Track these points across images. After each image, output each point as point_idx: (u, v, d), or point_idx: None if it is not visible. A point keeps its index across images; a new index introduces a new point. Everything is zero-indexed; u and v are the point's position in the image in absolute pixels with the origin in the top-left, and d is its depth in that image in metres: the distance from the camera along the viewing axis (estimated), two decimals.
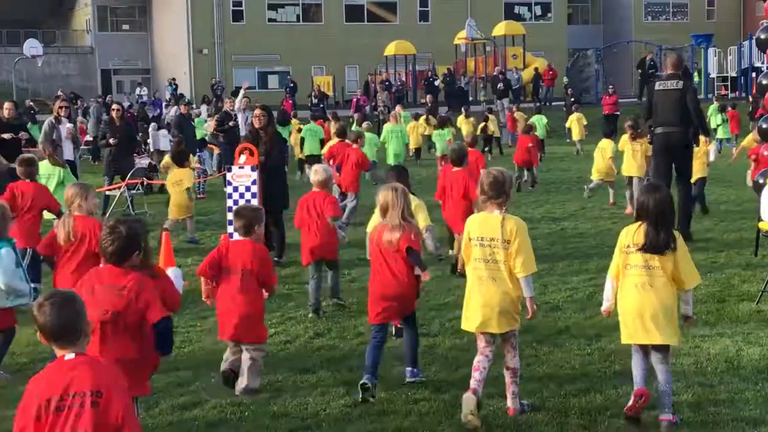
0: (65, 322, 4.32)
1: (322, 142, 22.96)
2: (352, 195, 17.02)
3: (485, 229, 7.11)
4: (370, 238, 8.36)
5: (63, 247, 8.30)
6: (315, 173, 10.73)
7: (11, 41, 58.77)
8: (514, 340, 7.32)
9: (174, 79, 54.41)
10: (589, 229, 16.26)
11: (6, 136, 16.05)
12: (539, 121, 30.16)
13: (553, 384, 7.88)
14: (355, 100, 44.45)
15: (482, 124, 30.05)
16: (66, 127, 17.58)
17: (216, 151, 25.03)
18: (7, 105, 17.00)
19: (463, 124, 31.51)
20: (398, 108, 32.55)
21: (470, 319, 7.28)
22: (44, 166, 14.07)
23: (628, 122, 17.65)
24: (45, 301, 4.35)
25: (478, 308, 7.16)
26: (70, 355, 4.33)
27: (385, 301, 7.87)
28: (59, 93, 40.89)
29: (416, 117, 32.85)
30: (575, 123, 33.29)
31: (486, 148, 29.24)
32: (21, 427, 4.29)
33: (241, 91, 24.63)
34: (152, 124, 30.56)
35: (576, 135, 33.09)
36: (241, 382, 7.81)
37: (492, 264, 7.10)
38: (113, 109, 19.57)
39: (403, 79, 51.23)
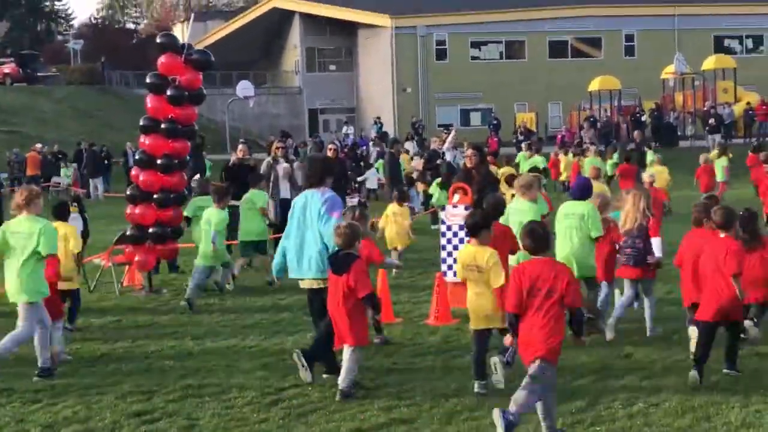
0: None
1: None
2: None
3: None
4: None
5: None
6: None
7: (224, 83, 61.48)
8: None
9: (379, 118, 55.54)
10: None
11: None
12: None
13: None
14: (560, 136, 44.19)
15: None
16: (282, 167, 18.22)
17: (422, 188, 25.37)
18: (241, 147, 18.14)
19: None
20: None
21: None
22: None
23: None
24: None
25: None
26: None
27: None
28: (271, 137, 42.40)
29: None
30: None
31: None
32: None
33: (453, 132, 24.95)
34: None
35: None
36: None
37: None
38: (330, 149, 20.25)
39: (609, 114, 50.57)
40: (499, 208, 10.83)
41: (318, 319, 9.58)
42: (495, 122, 49.92)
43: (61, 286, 11.11)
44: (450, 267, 12.98)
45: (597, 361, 9.94)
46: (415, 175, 26.65)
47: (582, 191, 11.34)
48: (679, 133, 47.36)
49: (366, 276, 8.77)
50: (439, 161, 23.45)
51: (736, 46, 61.34)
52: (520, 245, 8.24)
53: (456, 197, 13.44)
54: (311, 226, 9.49)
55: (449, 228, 13.27)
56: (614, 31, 60.06)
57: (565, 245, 10.95)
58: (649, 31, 59.46)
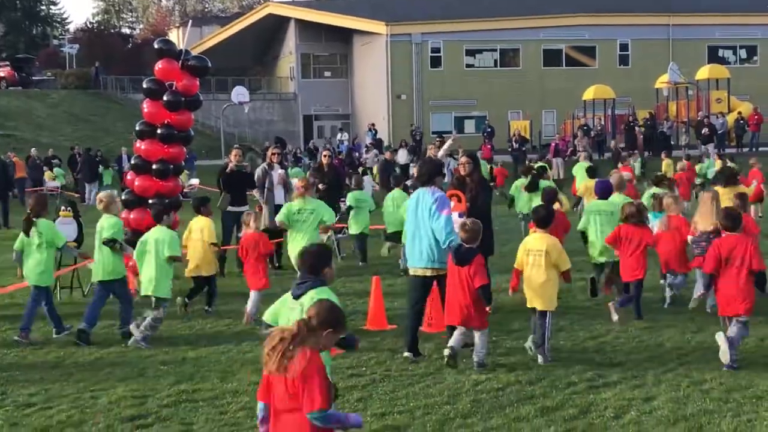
0: None
1: None
2: None
3: None
4: None
5: None
6: None
7: (220, 88, 61.52)
8: None
9: (374, 125, 55.58)
10: None
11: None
12: None
13: None
14: (553, 144, 44.27)
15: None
16: (278, 173, 18.26)
17: None
18: (234, 152, 18.10)
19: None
20: None
21: None
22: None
23: None
24: None
25: None
26: None
27: None
28: (266, 144, 42.40)
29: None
30: None
31: None
32: None
33: (451, 140, 24.88)
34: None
35: None
36: None
37: None
38: (324, 155, 20.26)
39: (603, 123, 50.65)
40: (553, 198, 14.60)
41: (414, 304, 10.86)
42: (489, 130, 49.96)
43: (201, 272, 13.87)
44: None
45: (589, 369, 9.98)
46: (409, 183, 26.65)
47: (603, 192, 14.28)
48: (672, 143, 47.43)
49: (484, 268, 10.31)
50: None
51: (730, 56, 61.51)
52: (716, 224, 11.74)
53: (450, 204, 13.46)
54: (423, 222, 10.66)
55: None
56: (609, 40, 60.18)
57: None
58: (643, 40, 59.61)
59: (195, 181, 36.15)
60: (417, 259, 10.77)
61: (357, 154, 48.77)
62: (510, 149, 44.38)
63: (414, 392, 9.20)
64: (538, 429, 8.09)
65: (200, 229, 14.06)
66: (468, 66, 60.01)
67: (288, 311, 6.68)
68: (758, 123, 47.35)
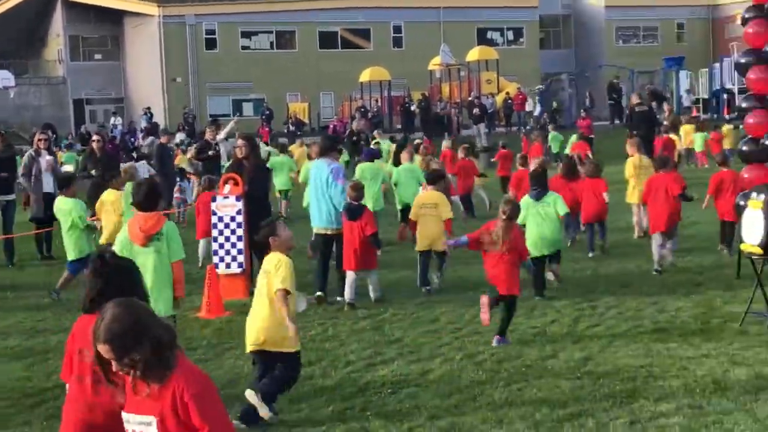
0: None
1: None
2: None
3: None
4: None
5: None
6: None
7: None
8: None
9: (149, 108, 54.39)
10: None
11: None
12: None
13: (546, 408, 7.96)
14: (332, 126, 44.59)
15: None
16: (46, 159, 17.52)
17: (195, 180, 24.98)
18: None
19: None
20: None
21: None
22: None
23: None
24: None
25: None
26: None
27: None
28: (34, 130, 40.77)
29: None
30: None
31: None
32: None
33: (231, 124, 24.50)
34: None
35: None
36: None
37: None
38: (93, 140, 19.54)
39: (379, 105, 51.42)
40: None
41: (324, 258, 12.51)
42: (267, 112, 49.83)
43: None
44: (222, 259, 12.88)
45: (368, 347, 10.10)
46: (186, 166, 26.20)
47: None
48: (446, 123, 48.73)
49: (373, 220, 12.29)
50: (211, 152, 23.00)
51: (498, 38, 63.69)
52: None
53: (227, 188, 13.33)
54: (322, 189, 12.39)
55: (221, 219, 13.15)
56: (383, 22, 61.09)
57: None
58: (415, 23, 60.82)
59: None
60: (319, 220, 12.56)
61: (132, 138, 47.59)
62: (286, 131, 44.38)
63: None
64: (317, 408, 8.12)
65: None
66: (244, 48, 59.58)
67: None
68: (523, 102, 49.33)
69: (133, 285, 4.84)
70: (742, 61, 11.62)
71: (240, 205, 13.08)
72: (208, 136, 23.48)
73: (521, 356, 9.56)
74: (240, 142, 14.31)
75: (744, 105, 11.58)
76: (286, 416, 7.92)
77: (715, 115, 44.76)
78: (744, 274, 12.07)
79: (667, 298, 12.14)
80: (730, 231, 14.21)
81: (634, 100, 29.46)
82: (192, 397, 3.84)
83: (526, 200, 12.50)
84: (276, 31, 60.27)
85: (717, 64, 48.55)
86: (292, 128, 44.47)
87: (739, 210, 11.41)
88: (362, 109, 47.41)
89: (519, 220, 10.99)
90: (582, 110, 42.32)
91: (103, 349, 3.85)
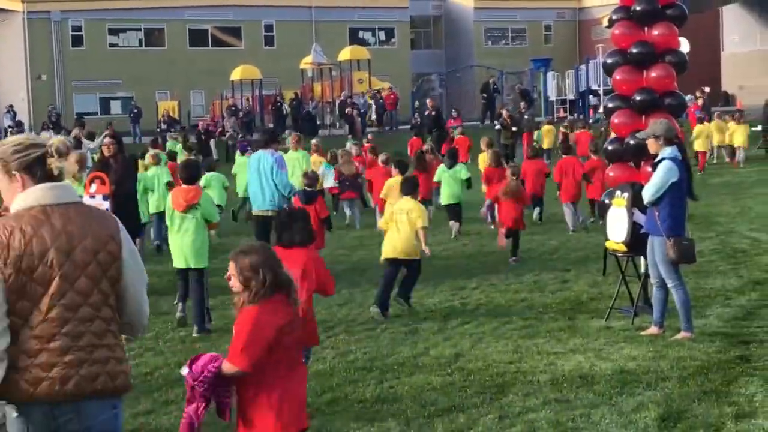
0: None
1: None
2: None
3: None
4: None
5: None
6: None
7: None
8: None
9: (12, 106, 52.80)
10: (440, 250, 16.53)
11: None
12: None
13: (417, 405, 8.00)
14: (202, 124, 43.99)
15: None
16: None
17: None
18: None
19: None
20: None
21: None
22: None
23: None
24: None
25: None
26: None
27: None
28: None
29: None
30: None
31: None
32: None
33: (104, 135, 23.78)
34: None
35: None
36: None
37: None
38: None
39: (250, 103, 51.01)
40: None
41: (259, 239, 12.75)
42: (135, 111, 48.90)
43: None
44: None
45: None
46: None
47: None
48: (318, 122, 48.68)
49: (325, 204, 14.28)
50: (81, 151, 22.43)
51: (370, 38, 63.92)
52: None
53: (93, 187, 13.01)
54: (266, 176, 13.40)
55: None
56: (254, 21, 60.58)
57: None
58: (287, 22, 60.55)
59: None
60: (262, 203, 13.56)
61: None
62: (159, 130, 43.63)
63: None
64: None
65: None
66: (112, 45, 58.35)
67: None
68: (394, 102, 49.55)
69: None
70: (609, 61, 11.85)
71: (107, 204, 12.77)
72: (74, 133, 22.93)
73: (393, 354, 9.60)
74: (107, 140, 14.04)
75: (610, 105, 11.81)
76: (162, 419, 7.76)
77: (581, 116, 45.84)
78: (610, 272, 12.39)
79: (536, 295, 12.37)
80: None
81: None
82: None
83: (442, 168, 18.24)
84: (145, 28, 59.20)
85: (583, 66, 49.74)
86: (164, 126, 43.73)
87: (603, 208, 11.67)
88: (233, 108, 46.95)
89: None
90: (453, 110, 42.80)
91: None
